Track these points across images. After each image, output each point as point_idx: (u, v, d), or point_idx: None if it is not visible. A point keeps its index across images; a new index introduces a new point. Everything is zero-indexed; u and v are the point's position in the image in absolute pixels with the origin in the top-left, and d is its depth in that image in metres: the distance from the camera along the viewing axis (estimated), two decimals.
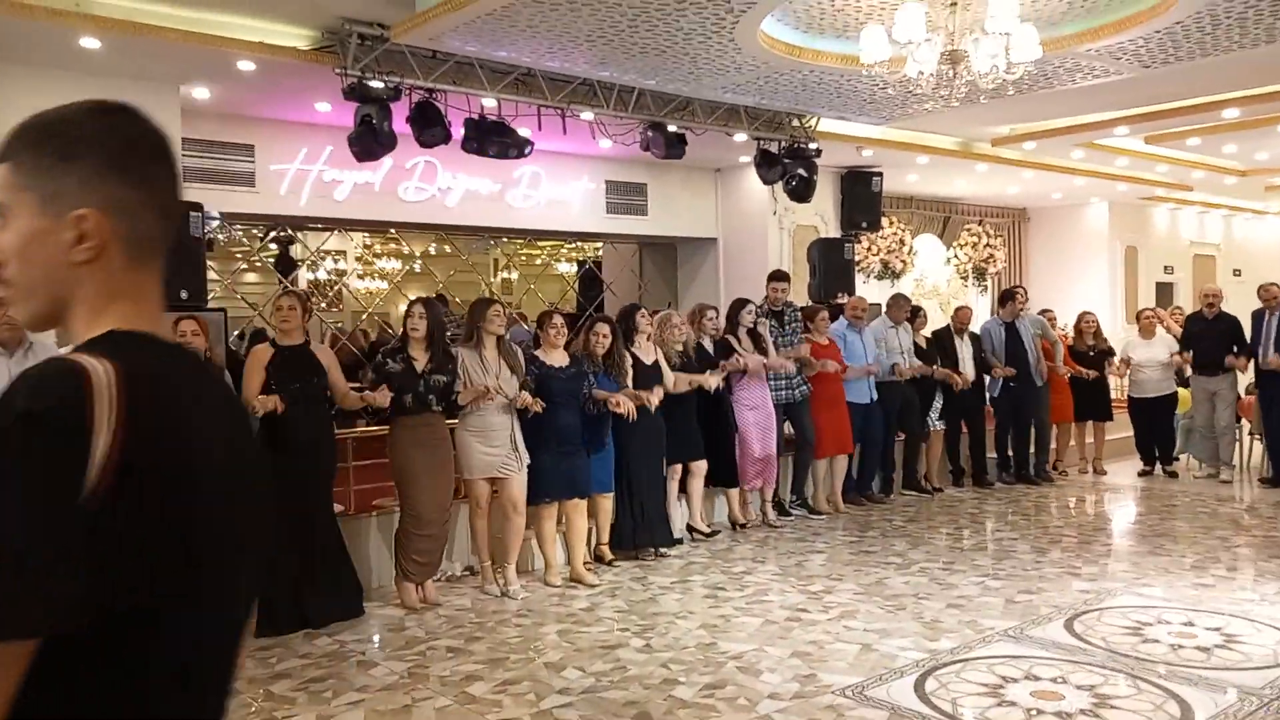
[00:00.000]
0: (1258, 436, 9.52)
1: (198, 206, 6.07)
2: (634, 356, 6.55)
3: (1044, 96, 7.87)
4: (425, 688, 4.40)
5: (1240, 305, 9.57)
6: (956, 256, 13.32)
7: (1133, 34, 6.35)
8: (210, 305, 6.67)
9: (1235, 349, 9.00)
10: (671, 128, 7.91)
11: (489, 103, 7.03)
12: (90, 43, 5.70)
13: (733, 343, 7.32)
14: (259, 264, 12.48)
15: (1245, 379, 9.39)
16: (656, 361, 6.68)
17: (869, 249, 11.86)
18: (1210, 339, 9.15)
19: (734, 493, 7.41)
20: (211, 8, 5.76)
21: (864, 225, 10.75)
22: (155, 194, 1.05)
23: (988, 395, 9.25)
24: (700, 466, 7.05)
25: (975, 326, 9.45)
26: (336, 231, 10.74)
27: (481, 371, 5.67)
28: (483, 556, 5.96)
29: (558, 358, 6.09)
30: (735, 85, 7.45)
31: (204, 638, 0.99)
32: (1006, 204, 13.79)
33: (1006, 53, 5.51)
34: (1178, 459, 9.85)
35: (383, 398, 5.26)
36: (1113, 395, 10.06)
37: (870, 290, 11.11)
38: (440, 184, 8.71)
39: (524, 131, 7.35)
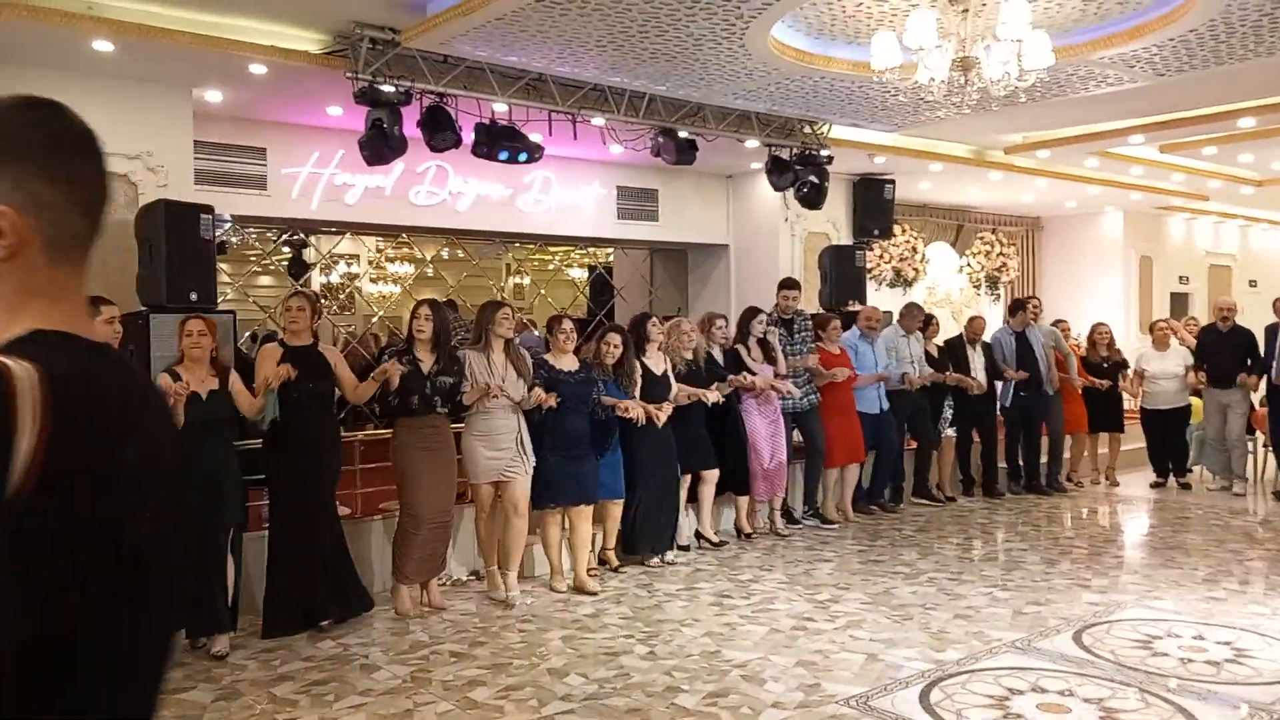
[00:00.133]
0: (1271, 449, 9.43)
1: (208, 209, 6.08)
2: (643, 366, 6.53)
3: (1057, 104, 7.84)
4: (427, 692, 4.39)
5: (1256, 316, 9.49)
6: (969, 265, 13.26)
7: (1146, 42, 6.31)
8: (222, 307, 6.70)
9: (1249, 363, 8.92)
10: (682, 133, 7.90)
11: (500, 107, 7.04)
12: (103, 46, 5.73)
13: (742, 353, 7.28)
14: (272, 267, 12.53)
15: (1259, 392, 9.30)
16: (666, 372, 6.65)
17: (881, 257, 11.82)
18: (1224, 352, 9.07)
19: (742, 501, 7.36)
20: (223, 11, 5.79)
21: (876, 233, 10.71)
22: (79, 191, 1.04)
23: (999, 404, 9.19)
24: (712, 475, 7.01)
25: (987, 336, 9.40)
26: (349, 235, 10.77)
27: (488, 375, 5.65)
28: (487, 561, 5.94)
29: (567, 362, 6.07)
30: (746, 91, 7.44)
31: (136, 637, 0.97)
32: (1020, 212, 13.73)
33: (1018, 60, 5.47)
34: (1190, 470, 9.77)
35: (395, 370, 5.23)
36: (1125, 406, 9.99)
37: (882, 298, 11.07)
38: (451, 188, 8.72)
39: (535, 137, 7.36)
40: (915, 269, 12.23)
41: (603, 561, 6.44)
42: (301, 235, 10.42)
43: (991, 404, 9.07)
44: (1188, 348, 9.70)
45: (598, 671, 4.62)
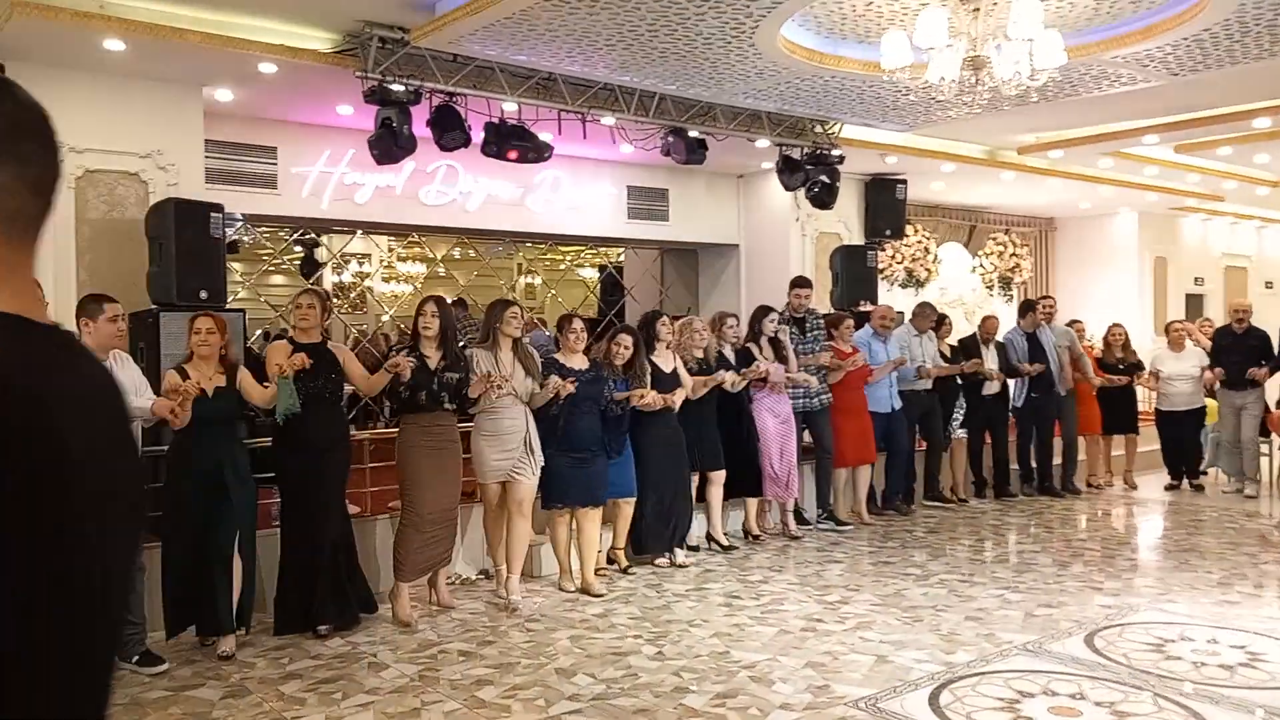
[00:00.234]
0: None
1: (218, 207, 6.10)
2: (653, 364, 6.50)
3: (1070, 104, 7.79)
4: (435, 691, 4.38)
5: (1272, 317, 9.42)
6: (982, 266, 13.20)
7: (1160, 41, 6.26)
8: (233, 306, 6.71)
9: (1263, 363, 8.86)
10: (693, 133, 7.88)
11: (509, 107, 7.03)
12: (114, 45, 5.75)
13: (754, 351, 7.25)
14: (285, 267, 12.56)
15: (1275, 393, 9.23)
16: (675, 370, 6.63)
17: (893, 257, 11.77)
18: (1239, 353, 9.01)
19: (752, 503, 7.32)
20: (234, 10, 5.80)
21: (888, 233, 10.67)
22: (29, 169, 1.02)
23: (1011, 404, 9.13)
24: (718, 476, 6.97)
25: (999, 337, 9.34)
26: (360, 234, 10.78)
27: (496, 372, 5.62)
28: (496, 560, 5.93)
29: (577, 362, 6.05)
30: (756, 90, 7.42)
31: (76, 627, 0.94)
32: (1033, 213, 13.66)
33: (1030, 59, 5.43)
34: (1204, 473, 9.70)
35: (406, 364, 5.20)
36: (1140, 408, 9.92)
37: (894, 299, 11.02)
38: (462, 188, 8.73)
39: (545, 136, 7.35)
40: (927, 269, 12.19)
41: (611, 561, 6.42)
42: (313, 235, 10.46)
43: (1005, 404, 9.02)
44: (1203, 349, 9.64)
45: (605, 671, 4.61)
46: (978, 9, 5.52)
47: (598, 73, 6.88)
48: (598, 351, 6.41)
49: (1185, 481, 9.55)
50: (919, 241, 12.05)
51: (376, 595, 5.65)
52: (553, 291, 13.91)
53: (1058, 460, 9.35)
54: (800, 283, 7.93)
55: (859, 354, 7.82)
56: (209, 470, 4.77)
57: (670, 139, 7.83)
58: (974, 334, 9.11)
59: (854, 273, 9.60)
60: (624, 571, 6.34)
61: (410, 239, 11.97)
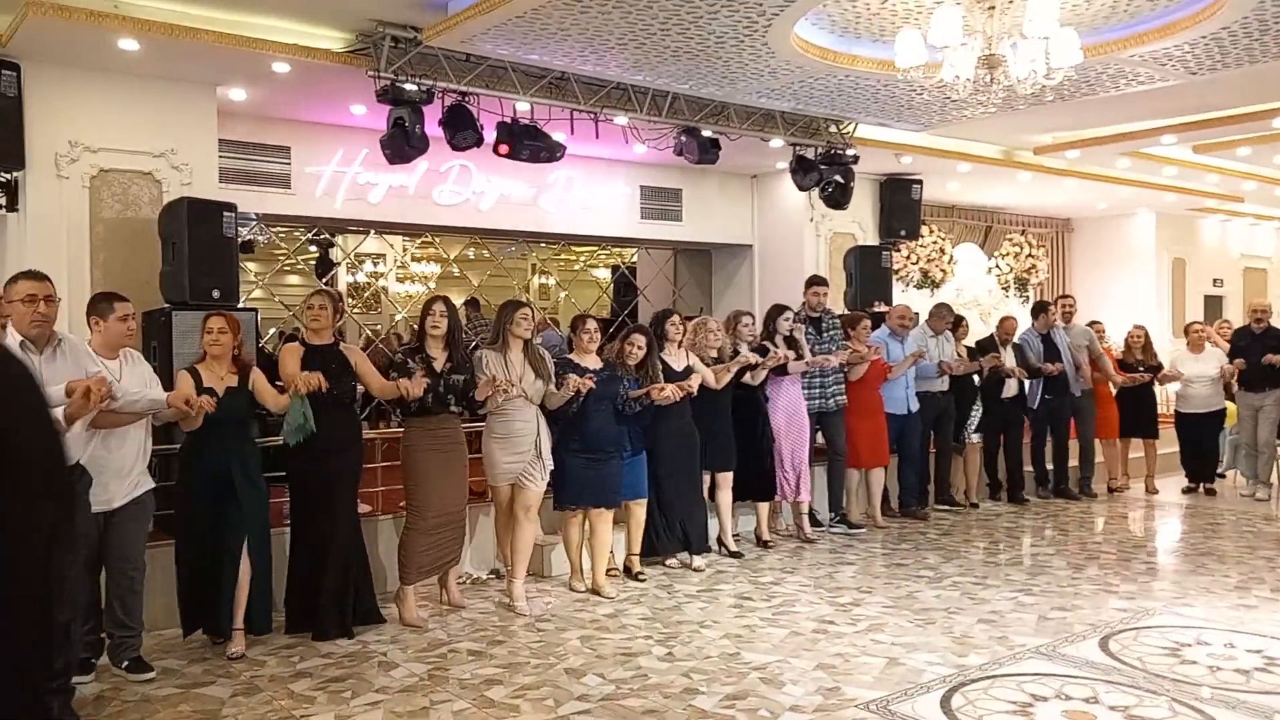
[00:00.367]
0: None
1: (231, 207, 6.12)
2: (663, 363, 6.46)
3: (1087, 104, 7.72)
4: (444, 690, 4.37)
5: None
6: (998, 267, 13.13)
7: (1178, 39, 6.20)
8: (247, 305, 6.74)
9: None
10: (706, 132, 7.86)
11: (522, 106, 7.02)
12: (129, 44, 5.77)
13: (770, 349, 7.18)
14: (300, 267, 12.60)
15: None
16: (688, 367, 6.59)
17: (908, 258, 11.71)
18: (1258, 354, 8.93)
19: (764, 509, 7.24)
20: (247, 10, 5.82)
21: (903, 233, 10.63)
22: None
23: (1026, 406, 9.06)
24: (727, 479, 6.90)
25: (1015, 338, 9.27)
26: (373, 234, 10.80)
27: (504, 374, 5.60)
28: (506, 561, 5.91)
29: (590, 362, 6.03)
30: (770, 90, 7.39)
31: None
32: (1050, 214, 13.57)
33: (1046, 58, 5.39)
34: (1222, 476, 9.61)
35: (417, 387, 5.16)
36: (1160, 411, 9.84)
37: (909, 299, 10.95)
38: (475, 187, 8.73)
39: (558, 136, 7.34)
40: (943, 270, 12.12)
41: (626, 569, 6.36)
42: (327, 235, 10.48)
43: (1021, 407, 8.95)
44: (1222, 351, 9.55)
45: (615, 672, 4.59)
46: (993, 7, 5.47)
47: (610, 72, 6.87)
48: (610, 351, 6.37)
49: (1201, 485, 9.46)
50: (934, 242, 11.98)
51: (385, 595, 5.65)
52: (565, 292, 13.90)
53: (1074, 463, 9.29)
54: (817, 281, 7.85)
55: (879, 347, 7.78)
56: (218, 471, 4.77)
57: (683, 139, 7.81)
58: (991, 335, 9.05)
59: (868, 273, 9.55)
60: (635, 578, 6.28)
61: (424, 239, 11.97)
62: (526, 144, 7.14)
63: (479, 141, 6.78)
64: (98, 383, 3.56)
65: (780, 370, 7.10)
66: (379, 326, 12.94)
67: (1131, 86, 7.23)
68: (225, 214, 6.03)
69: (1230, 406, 9.48)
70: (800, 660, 4.71)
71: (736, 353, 6.98)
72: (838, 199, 8.91)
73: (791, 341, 7.28)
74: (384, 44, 6.15)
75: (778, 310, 7.37)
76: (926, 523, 8.05)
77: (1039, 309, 9.30)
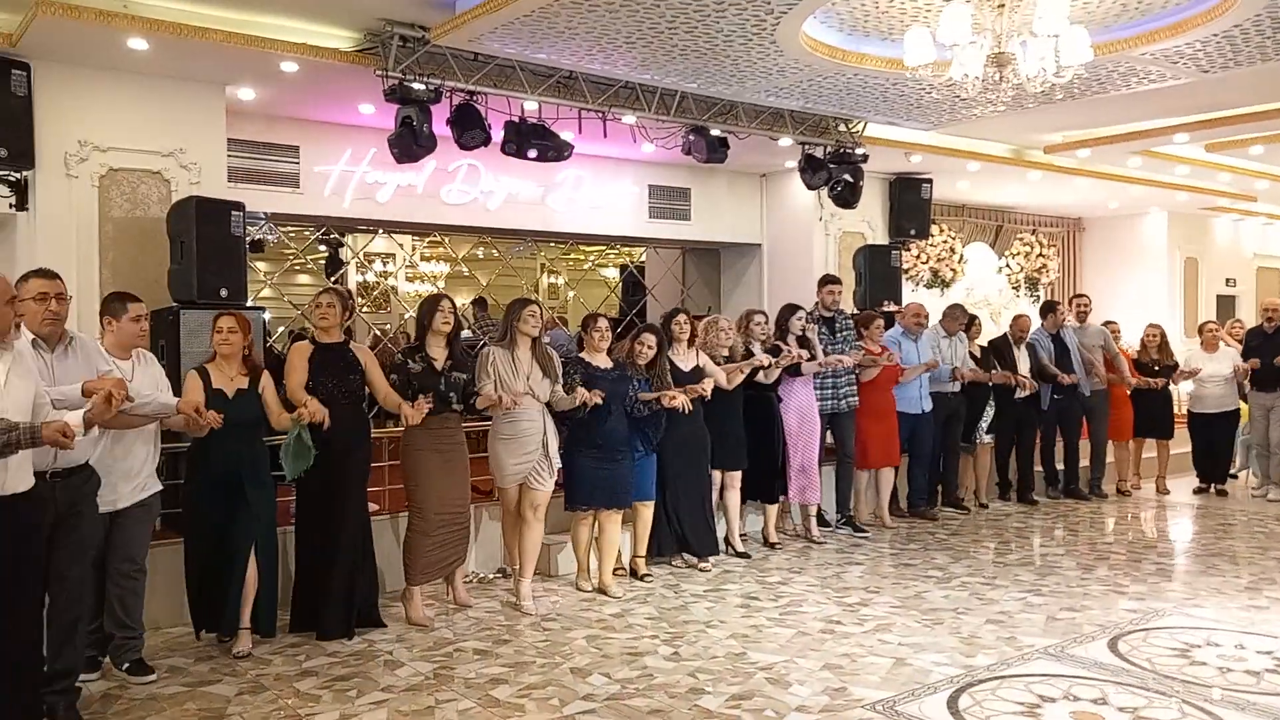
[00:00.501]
0: None
1: (239, 206, 6.13)
2: (670, 362, 6.44)
3: (1098, 102, 7.68)
4: (449, 689, 4.37)
5: None
6: (1008, 266, 13.07)
7: (1190, 37, 6.16)
8: (256, 304, 6.74)
9: None
10: (714, 131, 7.84)
11: (530, 105, 7.02)
12: (137, 44, 5.79)
13: (783, 349, 7.14)
14: (309, 266, 12.63)
15: None
16: (697, 367, 6.56)
17: (918, 257, 11.67)
18: (1270, 354, 8.87)
19: (771, 511, 7.20)
20: (256, 9, 5.83)
21: (912, 233, 10.58)
22: None
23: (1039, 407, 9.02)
24: (735, 479, 6.89)
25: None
26: (382, 234, 10.82)
27: (512, 372, 5.57)
28: (513, 561, 5.91)
29: (601, 361, 6.01)
30: (779, 88, 7.37)
31: None
32: (1061, 213, 13.51)
33: (1056, 56, 5.35)
34: (1234, 476, 9.54)
35: (417, 416, 5.12)
36: (1174, 411, 9.78)
37: (919, 299, 10.89)
38: (483, 187, 8.73)
39: (565, 135, 7.33)
40: (953, 270, 12.07)
41: (632, 571, 6.34)
42: (336, 234, 10.49)
43: (1035, 407, 8.90)
44: (1236, 350, 9.49)
45: (621, 671, 4.58)
46: (1002, 5, 5.44)
47: (618, 71, 6.85)
48: (619, 351, 6.35)
49: (1212, 486, 9.41)
50: (944, 241, 11.94)
51: (392, 594, 5.66)
52: (574, 292, 13.90)
53: (1085, 463, 9.24)
54: (831, 280, 7.76)
55: (891, 353, 7.75)
56: (226, 472, 4.76)
57: (691, 137, 7.79)
58: (1004, 335, 9.01)
59: (878, 273, 9.52)
60: (641, 579, 6.26)
61: (433, 238, 11.99)
62: (534, 143, 7.14)
63: (486, 141, 6.78)
64: (118, 386, 3.57)
65: (794, 371, 7.06)
66: (388, 325, 12.95)
67: (1143, 85, 7.19)
68: (234, 213, 6.03)
69: (1244, 407, 9.41)
70: (807, 660, 4.70)
71: (749, 352, 6.93)
72: (847, 198, 8.88)
73: (804, 341, 7.21)
74: (392, 43, 6.15)
75: (790, 310, 7.30)
76: (935, 523, 8.02)
77: (1047, 309, 9.25)
